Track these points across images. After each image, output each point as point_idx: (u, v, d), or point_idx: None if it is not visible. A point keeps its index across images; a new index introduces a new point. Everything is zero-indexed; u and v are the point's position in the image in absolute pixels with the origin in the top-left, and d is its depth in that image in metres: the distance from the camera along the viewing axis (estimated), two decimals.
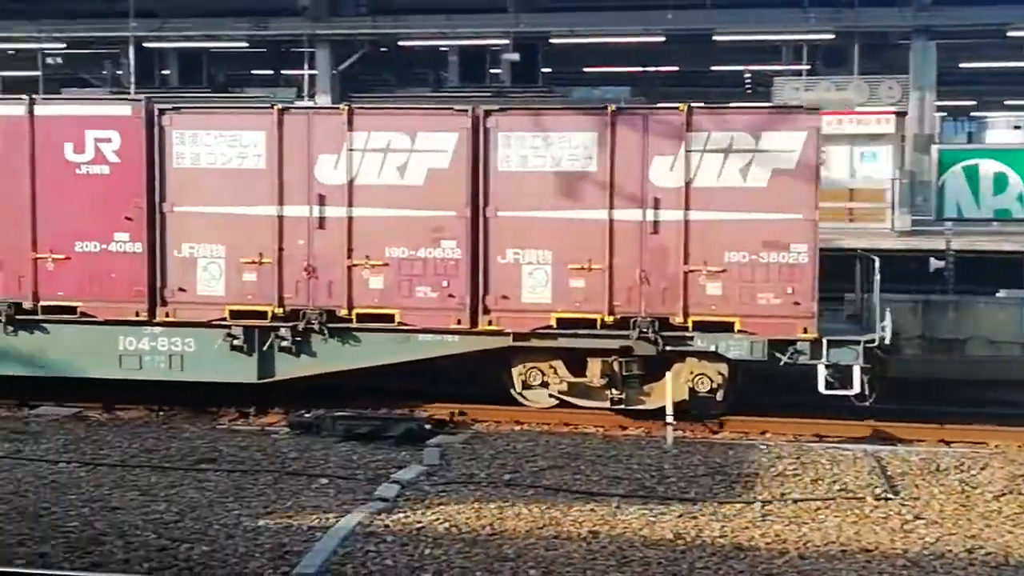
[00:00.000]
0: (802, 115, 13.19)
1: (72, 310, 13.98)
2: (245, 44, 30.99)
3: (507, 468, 10.94)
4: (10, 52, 29.56)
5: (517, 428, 13.01)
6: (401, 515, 9.28)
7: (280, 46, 31.75)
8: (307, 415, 13.12)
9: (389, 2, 29.16)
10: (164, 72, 31.88)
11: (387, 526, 8.97)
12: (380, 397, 14.23)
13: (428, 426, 12.63)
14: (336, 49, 30.07)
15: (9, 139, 13.94)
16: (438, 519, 9.19)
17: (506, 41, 28.90)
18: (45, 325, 14.07)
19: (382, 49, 31.25)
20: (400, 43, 30.30)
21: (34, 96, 14.61)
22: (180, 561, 8.10)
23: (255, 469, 10.88)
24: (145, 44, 29.61)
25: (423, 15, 28.82)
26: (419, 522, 9.10)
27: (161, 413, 13.70)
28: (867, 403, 13.03)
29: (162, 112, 13.80)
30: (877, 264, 13.02)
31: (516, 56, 29.01)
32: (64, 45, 30.62)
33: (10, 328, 14.07)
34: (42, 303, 13.96)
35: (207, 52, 31.15)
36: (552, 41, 29.42)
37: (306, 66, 30.41)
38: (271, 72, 33.79)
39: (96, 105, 15.14)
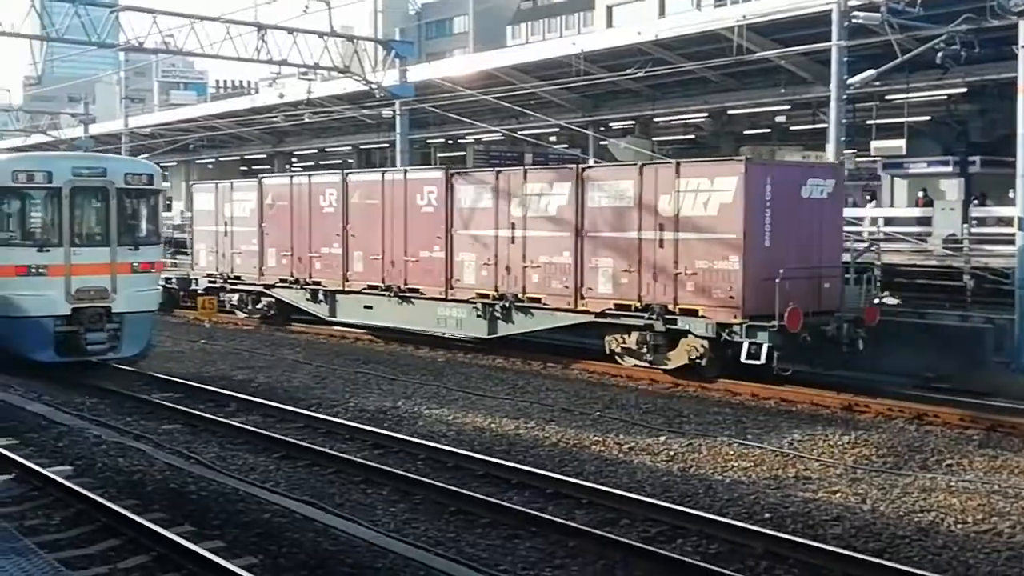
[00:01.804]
0: (734, 162, 18.49)
1: (417, 291, 22.86)
2: None
3: None
4: None
5: None
6: None
7: None
8: None
9: None
10: None
11: None
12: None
13: None
14: None
15: (394, 191, 23.56)
16: None
17: None
18: (412, 299, 23.03)
19: None
20: None
21: (406, 169, 25.68)
22: None
23: None
24: None
25: None
26: None
27: None
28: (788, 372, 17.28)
29: (453, 175, 22.50)
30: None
31: None
32: None
33: (393, 300, 23.36)
34: (406, 286, 23.06)
35: None
36: None
37: None
38: None
39: (427, 172, 24.52)
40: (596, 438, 14.01)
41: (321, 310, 25.49)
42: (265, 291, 27.34)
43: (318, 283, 25.38)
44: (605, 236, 19.29)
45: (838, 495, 11.26)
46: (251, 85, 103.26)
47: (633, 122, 35.79)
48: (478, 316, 21.54)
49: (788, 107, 32.83)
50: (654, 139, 36.06)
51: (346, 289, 24.59)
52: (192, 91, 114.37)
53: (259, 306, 27.84)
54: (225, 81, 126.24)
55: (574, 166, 20.71)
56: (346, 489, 11.53)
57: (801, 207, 18.11)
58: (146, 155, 53.60)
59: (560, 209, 20.08)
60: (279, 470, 12.37)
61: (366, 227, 24.06)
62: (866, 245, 24.05)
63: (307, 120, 37.30)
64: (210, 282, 29.12)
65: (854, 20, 21.47)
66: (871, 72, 22.07)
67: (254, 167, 55.10)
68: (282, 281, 26.50)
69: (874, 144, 27.38)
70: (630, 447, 13.50)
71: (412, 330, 23.60)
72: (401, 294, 23.10)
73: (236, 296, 28.39)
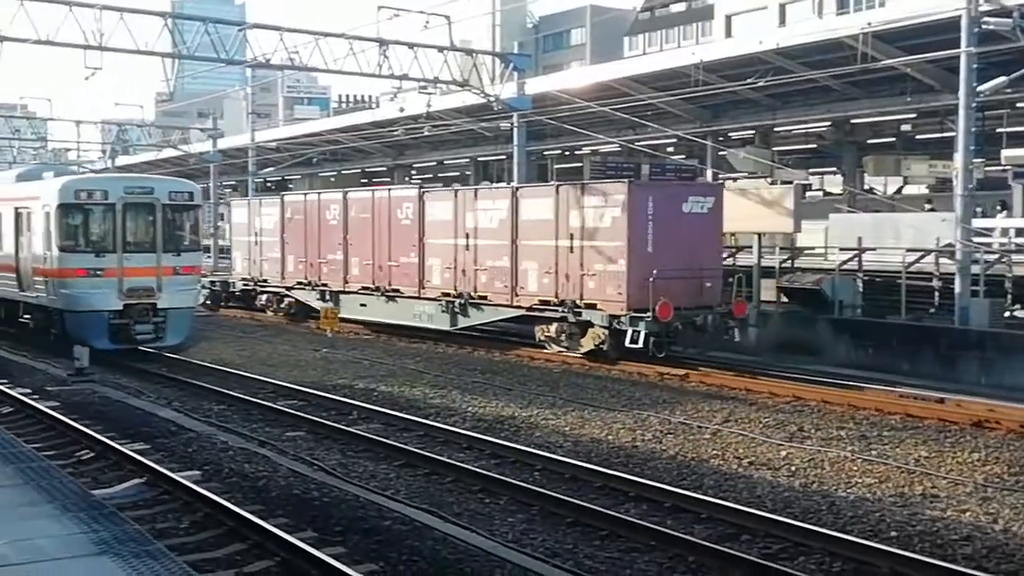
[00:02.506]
0: (620, 183, 22.22)
1: (398, 291, 26.97)
2: None
3: None
4: None
5: None
6: None
7: None
8: None
9: None
10: None
11: None
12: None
13: None
14: None
15: (381, 206, 27.78)
16: None
17: None
18: (395, 297, 27.15)
19: None
20: None
21: (390, 187, 31.66)
22: None
23: None
24: None
25: None
26: None
27: None
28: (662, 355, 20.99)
29: (424, 192, 27.02)
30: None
31: None
32: None
33: (381, 299, 27.49)
34: (391, 287, 27.24)
35: None
36: None
37: None
38: None
39: (405, 190, 29.72)
40: (715, 452, 13.85)
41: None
42: (286, 292, 31.83)
43: (325, 285, 29.79)
44: (533, 244, 23.19)
45: (968, 514, 10.91)
46: (372, 99, 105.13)
47: (753, 132, 35.35)
48: (443, 311, 25.53)
49: (914, 116, 32.07)
50: (774, 149, 35.54)
51: (346, 290, 28.96)
52: (316, 106, 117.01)
53: (282, 305, 32.26)
54: (347, 96, 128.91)
55: (510, 186, 25.86)
56: (464, 498, 11.63)
57: (682, 220, 21.52)
58: (271, 168, 55.09)
59: (501, 222, 23.95)
60: (399, 478, 12.55)
61: (361, 237, 28.34)
62: (996, 257, 23.29)
63: (426, 133, 37.80)
64: (244, 285, 34.17)
65: (984, 26, 20.84)
66: (1002, 79, 21.38)
67: (375, 180, 56.08)
68: (299, 283, 31.04)
69: (1005, 153, 26.52)
70: (750, 461, 13.31)
71: (398, 323, 27.57)
72: (387, 293, 27.33)
73: (265, 296, 33.11)
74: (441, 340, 25.92)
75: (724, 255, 24.66)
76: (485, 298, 24.38)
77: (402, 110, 38.48)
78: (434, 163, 51.69)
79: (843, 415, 16.57)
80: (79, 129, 53.87)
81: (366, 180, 56.86)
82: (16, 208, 24.69)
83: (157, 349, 23.13)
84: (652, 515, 10.87)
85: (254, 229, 33.45)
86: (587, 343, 22.10)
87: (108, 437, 14.10)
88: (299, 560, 9.09)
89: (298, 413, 16.33)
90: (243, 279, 34.24)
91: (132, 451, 13.21)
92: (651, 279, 20.37)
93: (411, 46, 29.65)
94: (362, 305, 28.38)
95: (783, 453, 13.74)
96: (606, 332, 21.49)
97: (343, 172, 56.15)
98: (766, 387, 18.77)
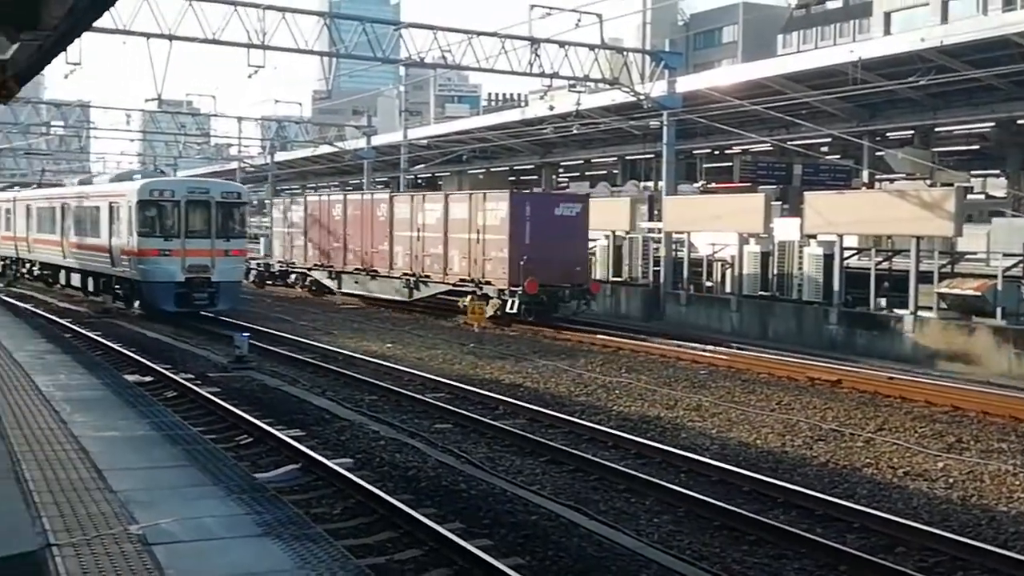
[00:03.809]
0: (504, 193, 29.87)
1: (377, 271, 34.19)
2: None
3: None
4: None
5: None
6: None
7: None
8: None
9: None
10: None
11: None
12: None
13: None
14: None
15: (366, 206, 35.22)
16: None
17: None
18: (375, 276, 34.45)
19: None
20: None
21: (373, 191, 41.20)
22: None
23: None
24: None
25: None
26: None
27: None
28: (531, 318, 28.09)
29: (393, 195, 35.00)
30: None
31: None
32: None
33: (367, 277, 34.74)
34: (373, 268, 34.47)
35: None
36: None
37: None
38: None
39: (381, 193, 37.08)
40: (868, 460, 13.50)
41: (333, 285, 37.74)
42: (307, 273, 39.88)
43: (332, 266, 37.60)
44: (457, 236, 30.23)
45: None
46: (521, 98, 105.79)
47: (911, 132, 34.26)
48: (404, 287, 32.82)
49: None
50: (934, 150, 34.37)
51: (345, 270, 36.65)
52: (466, 104, 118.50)
53: (306, 283, 40.20)
54: (496, 94, 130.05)
55: (443, 193, 34.50)
56: (609, 496, 11.65)
57: (554, 221, 28.84)
58: (423, 165, 55.99)
59: (437, 220, 31.17)
60: (545, 474, 12.64)
61: (355, 230, 35.86)
62: None
63: (575, 131, 37.89)
64: (280, 267, 42.25)
65: None
66: None
67: (522, 178, 56.40)
68: (315, 265, 39.13)
69: None
70: (905, 472, 12.93)
71: (378, 296, 34.89)
72: (370, 272, 34.88)
73: (293, 276, 41.13)
74: (585, 338, 26.10)
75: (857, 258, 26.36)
76: (429, 277, 31.67)
77: (551, 108, 38.66)
78: (581, 161, 51.74)
79: (1004, 427, 15.93)
80: (240, 125, 55.87)
81: (514, 178, 57.24)
82: (110, 203, 30.88)
83: (214, 313, 29.28)
84: (802, 522, 10.68)
85: (287, 223, 41.40)
86: (489, 310, 28.33)
87: (266, 423, 14.61)
88: (448, 550, 9.25)
89: (446, 406, 16.59)
90: (279, 262, 42.44)
91: (289, 437, 13.66)
92: (522, 263, 27.40)
93: (562, 44, 29.77)
94: (355, 282, 36.08)
95: (940, 464, 13.30)
96: (499, 302, 28.32)
97: (491, 169, 56.71)
98: (922, 395, 18.17)
